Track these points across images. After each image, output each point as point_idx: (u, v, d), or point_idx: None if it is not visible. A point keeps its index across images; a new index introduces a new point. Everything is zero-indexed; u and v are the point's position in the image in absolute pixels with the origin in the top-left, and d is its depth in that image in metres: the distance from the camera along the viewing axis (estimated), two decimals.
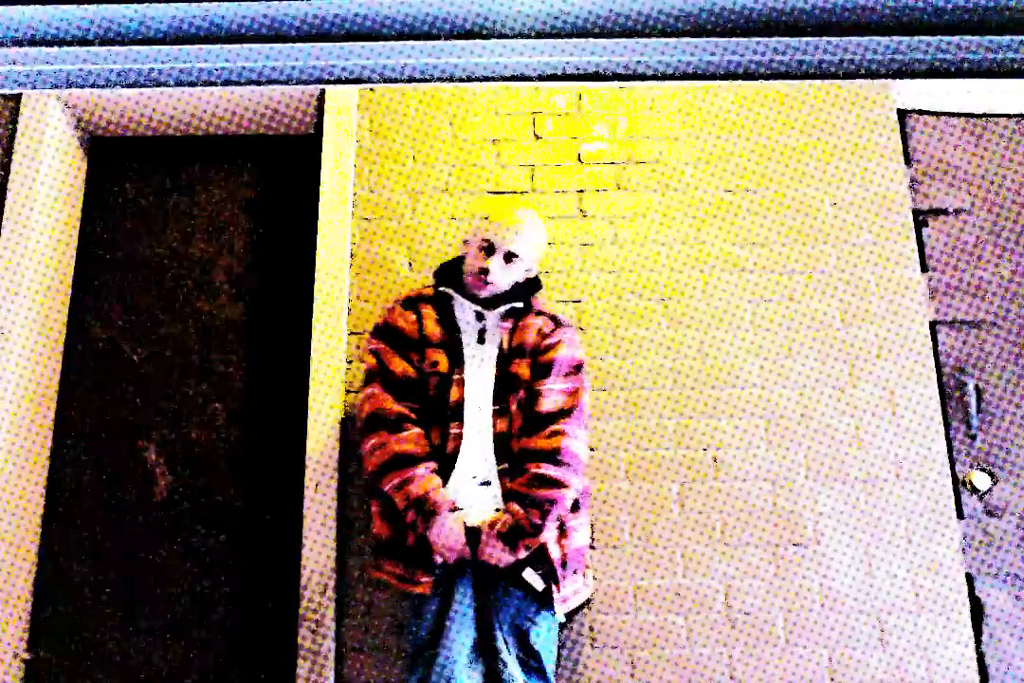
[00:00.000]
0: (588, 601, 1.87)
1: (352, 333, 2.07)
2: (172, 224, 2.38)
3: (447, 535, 1.53)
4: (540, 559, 1.57)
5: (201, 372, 2.25)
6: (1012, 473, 2.05)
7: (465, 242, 1.81)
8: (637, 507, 1.96)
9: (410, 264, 2.14)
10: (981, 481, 2.02)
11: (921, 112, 2.33)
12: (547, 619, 1.61)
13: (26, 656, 2.02)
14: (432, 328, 1.69)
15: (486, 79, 0.78)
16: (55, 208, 2.21)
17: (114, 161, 2.43)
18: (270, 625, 2.06)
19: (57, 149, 2.22)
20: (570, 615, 1.86)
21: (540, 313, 1.77)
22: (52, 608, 2.08)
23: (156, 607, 2.08)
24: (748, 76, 0.77)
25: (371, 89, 2.27)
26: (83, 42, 0.74)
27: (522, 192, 2.19)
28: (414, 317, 1.72)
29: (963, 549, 1.98)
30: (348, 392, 2.03)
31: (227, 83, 0.79)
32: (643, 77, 0.77)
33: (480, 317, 1.73)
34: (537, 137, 2.24)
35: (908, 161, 2.28)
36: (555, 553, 1.59)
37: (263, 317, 2.29)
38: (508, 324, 1.72)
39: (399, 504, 1.56)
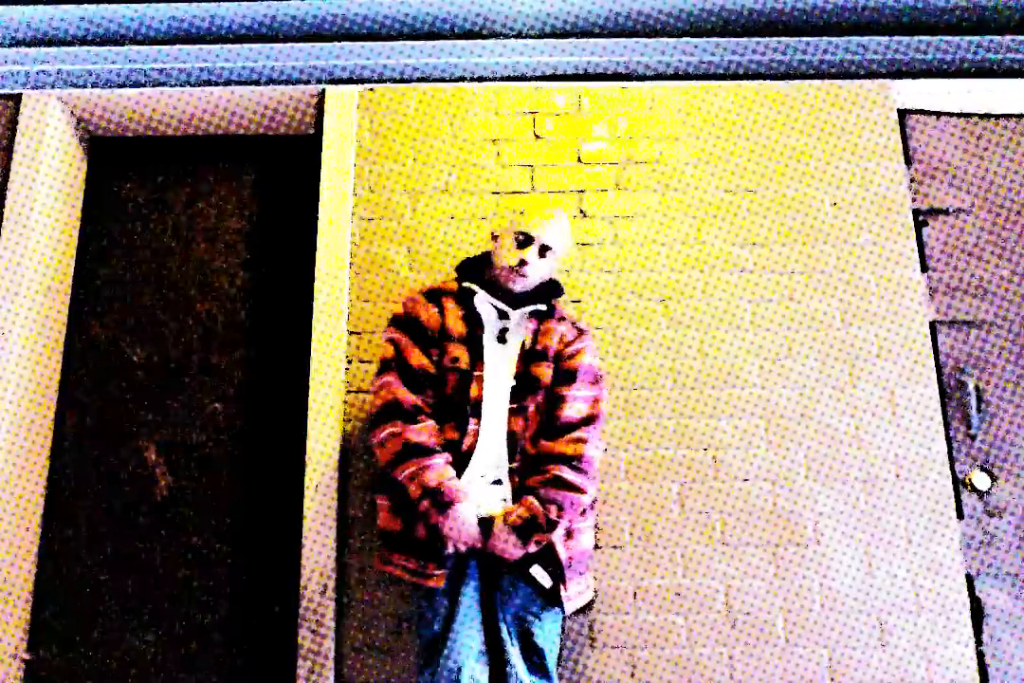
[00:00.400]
0: (591, 603, 1.88)
1: (352, 333, 2.07)
2: (172, 224, 2.38)
3: (461, 525, 1.52)
4: (548, 558, 1.58)
5: (201, 372, 2.25)
6: (1012, 473, 2.05)
7: (494, 237, 1.80)
8: (637, 507, 1.96)
9: (410, 264, 2.14)
10: (981, 481, 2.02)
11: (921, 112, 2.33)
12: (551, 616, 1.62)
13: (26, 656, 2.02)
14: (454, 323, 1.68)
15: (486, 79, 0.78)
16: (55, 208, 2.21)
17: (114, 161, 2.43)
18: (270, 625, 2.06)
19: (57, 149, 2.22)
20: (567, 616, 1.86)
21: (562, 318, 1.78)
22: (52, 608, 2.08)
23: (156, 607, 2.08)
24: (748, 76, 0.77)
25: (371, 89, 2.27)
26: (83, 42, 0.74)
27: (522, 192, 2.19)
28: (436, 310, 1.70)
29: (963, 549, 1.98)
30: (348, 392, 2.03)
31: (227, 83, 0.79)
32: (643, 77, 0.77)
33: (502, 316, 1.73)
34: (537, 137, 2.24)
35: (908, 161, 2.28)
36: (563, 553, 1.59)
37: (263, 317, 2.29)
38: (533, 325, 1.73)
39: (413, 493, 1.55)
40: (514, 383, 1.66)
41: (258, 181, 2.42)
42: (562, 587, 1.58)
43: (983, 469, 2.05)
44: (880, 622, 1.90)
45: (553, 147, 2.23)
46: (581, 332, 1.77)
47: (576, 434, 1.62)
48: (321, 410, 2.00)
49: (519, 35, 0.74)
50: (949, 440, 2.06)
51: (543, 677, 1.58)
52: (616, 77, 0.78)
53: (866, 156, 2.23)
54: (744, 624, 1.90)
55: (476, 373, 1.63)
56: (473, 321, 1.69)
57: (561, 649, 1.85)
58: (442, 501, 1.52)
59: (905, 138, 2.30)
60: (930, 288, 2.18)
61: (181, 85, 0.79)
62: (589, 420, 1.65)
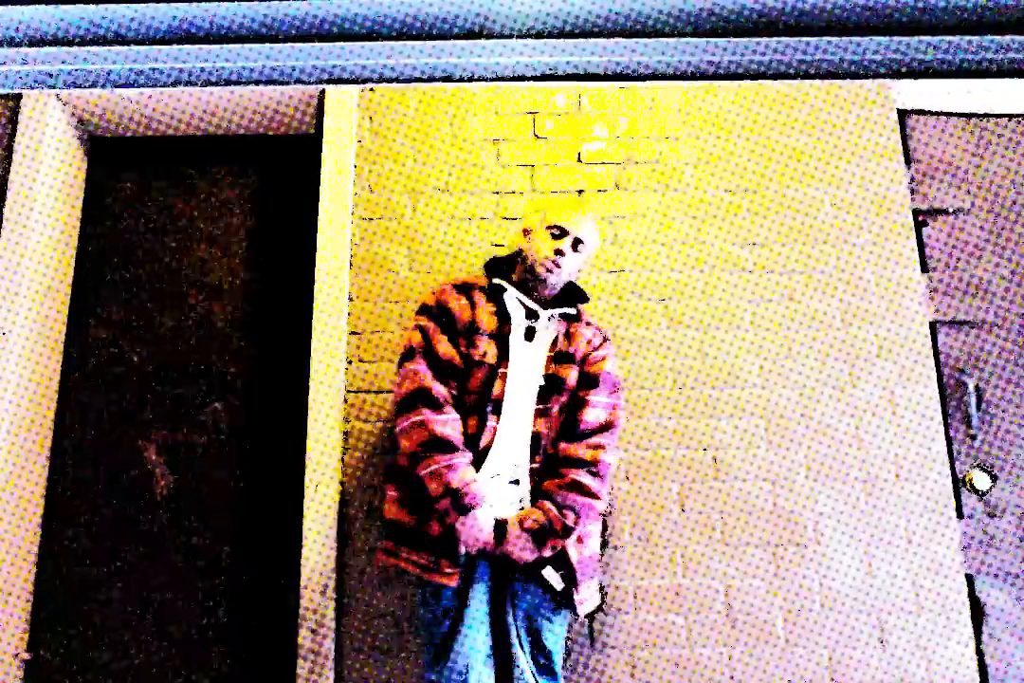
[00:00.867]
0: (599, 608, 1.88)
1: (352, 333, 2.07)
2: (172, 224, 2.38)
3: (477, 530, 1.51)
4: (560, 561, 1.58)
5: (201, 372, 2.25)
6: (1012, 473, 2.05)
7: (525, 233, 1.80)
8: (637, 507, 1.96)
9: (410, 264, 2.14)
10: (981, 481, 2.02)
11: (921, 112, 2.33)
12: (560, 619, 1.62)
13: (26, 656, 2.02)
14: (485, 317, 1.67)
15: (486, 79, 0.78)
16: (55, 208, 2.21)
17: (114, 161, 2.43)
18: (270, 625, 2.06)
19: (57, 149, 2.22)
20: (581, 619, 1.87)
21: (588, 323, 1.79)
22: (52, 608, 2.08)
23: (156, 607, 2.08)
24: (748, 76, 0.77)
25: (371, 89, 2.27)
26: (83, 42, 0.74)
27: (522, 192, 2.19)
28: (467, 303, 1.70)
29: (963, 549, 1.98)
30: (348, 392, 2.03)
31: (227, 83, 0.79)
32: (643, 77, 0.77)
33: (530, 316, 1.72)
34: (537, 137, 2.24)
35: (908, 161, 2.28)
36: (575, 556, 1.59)
37: (263, 317, 2.29)
38: (562, 327, 1.73)
39: (433, 490, 1.52)
40: (543, 383, 1.66)
41: (258, 181, 2.42)
42: (575, 590, 1.58)
43: (983, 469, 2.05)
44: (880, 622, 1.90)
45: (553, 147, 2.23)
46: (606, 339, 1.78)
47: (595, 440, 1.63)
48: (321, 410, 2.00)
49: (519, 35, 0.74)
50: (949, 440, 2.06)
51: (551, 678, 1.58)
52: (616, 77, 0.78)
53: (866, 156, 2.23)
54: (744, 624, 1.90)
55: (501, 370, 1.63)
56: (503, 317, 1.69)
57: None
58: (462, 504, 1.50)
59: (905, 138, 2.30)
60: (930, 288, 2.18)
61: (181, 85, 0.79)
62: (607, 427, 1.66)
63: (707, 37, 0.73)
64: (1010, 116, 2.34)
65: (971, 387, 2.09)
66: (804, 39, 0.73)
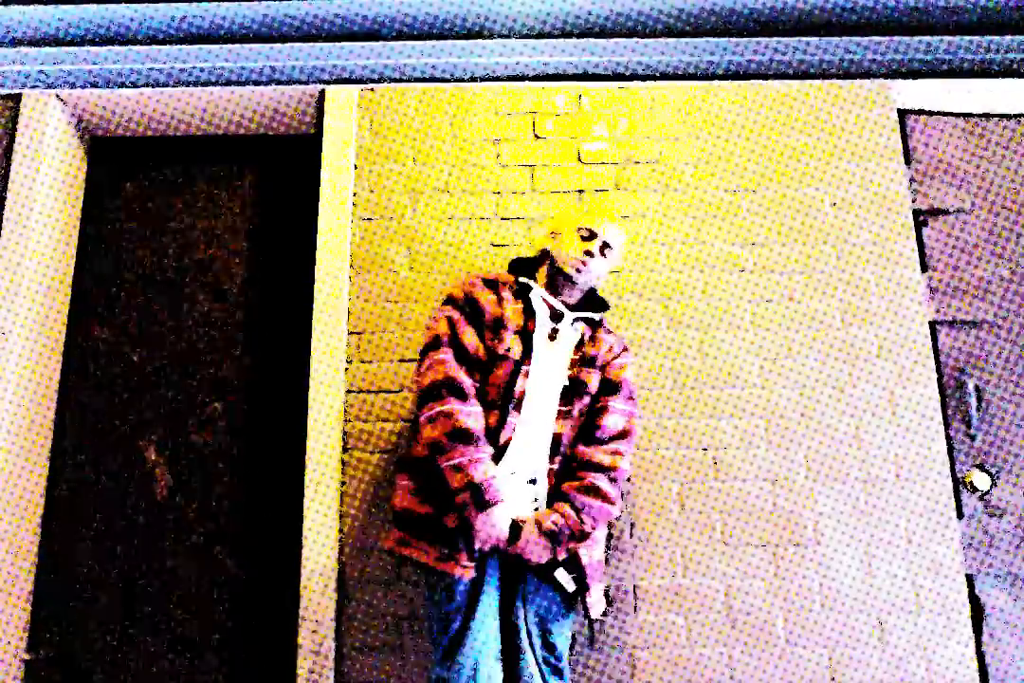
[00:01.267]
0: (605, 613, 1.89)
1: (352, 333, 2.07)
2: (172, 224, 2.38)
3: (494, 527, 1.51)
4: (572, 564, 1.59)
5: (201, 372, 2.25)
6: (1012, 473, 2.05)
7: (553, 235, 1.80)
8: (637, 507, 1.96)
9: (410, 264, 2.14)
10: (981, 481, 2.02)
11: (921, 112, 2.33)
12: (568, 620, 1.63)
13: (26, 656, 2.02)
14: (513, 313, 1.68)
15: (486, 79, 0.78)
16: (55, 208, 2.21)
17: (114, 161, 2.43)
18: (270, 625, 2.06)
19: (57, 149, 2.22)
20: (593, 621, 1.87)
21: (610, 331, 1.81)
22: (52, 608, 2.08)
23: (156, 607, 2.08)
24: (748, 76, 0.77)
25: (371, 89, 2.27)
26: (83, 42, 0.74)
27: (522, 192, 2.19)
28: (494, 297, 1.70)
29: (963, 549, 1.98)
30: (348, 392, 2.03)
31: (227, 83, 0.79)
32: (643, 77, 0.77)
33: (554, 317, 1.73)
34: (537, 137, 2.24)
35: (908, 161, 2.28)
36: (586, 560, 1.60)
37: (263, 317, 2.29)
38: (587, 332, 1.75)
39: (454, 483, 1.51)
40: (567, 384, 1.67)
41: (258, 181, 2.42)
42: (586, 594, 1.59)
43: (983, 469, 2.05)
44: (880, 622, 1.90)
45: (553, 147, 2.23)
46: (626, 349, 1.80)
47: (615, 446, 1.64)
48: (321, 410, 2.00)
49: (519, 35, 0.74)
50: (949, 440, 2.06)
51: (559, 678, 1.58)
52: (616, 77, 0.78)
53: (866, 156, 2.23)
54: (744, 624, 1.90)
55: (525, 367, 1.63)
56: (529, 315, 1.69)
57: None
58: (483, 499, 1.49)
59: (905, 138, 2.30)
60: (930, 288, 2.18)
61: (181, 85, 0.79)
62: (625, 434, 1.67)
63: (707, 37, 0.73)
64: (1010, 116, 2.34)
65: (971, 387, 2.09)
66: (804, 39, 0.73)
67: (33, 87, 0.79)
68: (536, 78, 0.78)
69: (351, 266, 2.13)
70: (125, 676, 2.04)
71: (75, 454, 2.19)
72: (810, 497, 1.98)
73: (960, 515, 2.01)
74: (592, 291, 1.84)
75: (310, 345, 2.09)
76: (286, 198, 2.40)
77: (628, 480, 1.98)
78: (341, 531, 1.94)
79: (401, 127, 2.24)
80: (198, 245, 2.36)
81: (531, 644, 1.56)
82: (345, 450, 1.99)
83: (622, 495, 1.67)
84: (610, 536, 1.94)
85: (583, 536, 1.56)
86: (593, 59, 0.76)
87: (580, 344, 1.73)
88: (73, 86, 0.79)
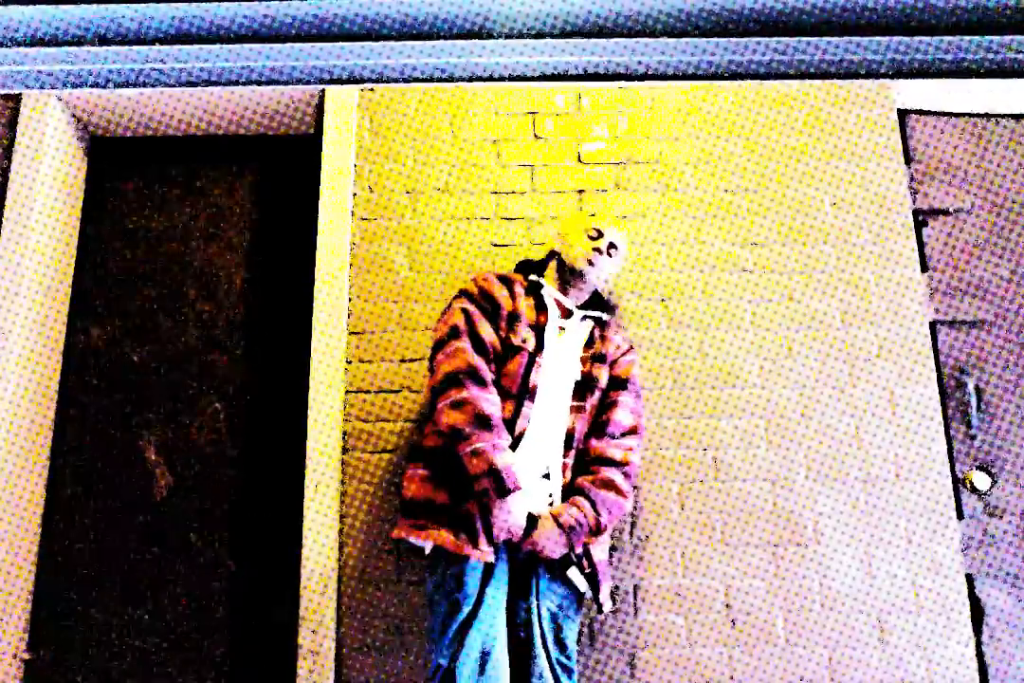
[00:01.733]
0: (614, 611, 1.89)
1: (352, 333, 2.07)
2: (172, 224, 2.38)
3: (513, 515, 1.51)
4: (586, 560, 1.61)
5: (201, 372, 2.25)
6: (1012, 473, 2.05)
7: (561, 236, 1.85)
8: (637, 507, 1.96)
9: (410, 264, 2.14)
10: (981, 481, 2.02)
11: (921, 112, 2.33)
12: (578, 617, 1.65)
13: (26, 656, 2.02)
14: (526, 308, 1.72)
15: (486, 79, 0.78)
16: (55, 208, 2.21)
17: (114, 161, 2.43)
18: (270, 625, 2.06)
19: (57, 149, 2.22)
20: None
21: (617, 331, 1.85)
22: (52, 608, 2.08)
23: (156, 607, 2.08)
24: (748, 76, 0.77)
25: (371, 89, 2.27)
26: (83, 42, 0.74)
27: (522, 192, 2.19)
28: (508, 293, 1.74)
29: (963, 549, 1.98)
30: (348, 392, 2.03)
31: (227, 83, 0.79)
32: (643, 77, 0.77)
33: (564, 315, 1.78)
34: (537, 137, 2.24)
35: (908, 161, 2.28)
36: (597, 555, 1.62)
37: (263, 317, 2.29)
38: (596, 330, 1.80)
39: (474, 468, 1.50)
40: (579, 379, 1.70)
41: (258, 181, 2.42)
42: (600, 589, 1.61)
43: (983, 469, 2.05)
44: (880, 622, 1.90)
45: (553, 147, 2.23)
46: (632, 348, 1.84)
47: (626, 442, 1.68)
48: (321, 410, 2.00)
49: (519, 35, 0.73)
50: (949, 440, 2.06)
51: (569, 675, 1.59)
52: (616, 77, 0.78)
53: (866, 156, 2.23)
54: (744, 624, 1.90)
55: (538, 359, 1.66)
56: (540, 310, 1.74)
57: None
58: (503, 486, 1.49)
59: (905, 138, 2.30)
60: (930, 288, 2.18)
61: (181, 85, 0.79)
62: (635, 431, 1.71)
63: (707, 37, 0.73)
64: (1010, 116, 2.34)
65: (971, 387, 2.09)
66: (804, 39, 0.73)
67: (33, 87, 0.79)
68: (536, 78, 0.78)
69: (351, 266, 2.13)
70: (125, 676, 2.03)
71: (75, 454, 2.18)
72: (810, 497, 1.98)
73: (960, 515, 2.01)
74: (597, 295, 1.89)
75: (310, 345, 2.09)
76: (286, 198, 2.40)
77: (635, 488, 1.98)
78: (341, 531, 1.94)
79: (401, 127, 2.24)
80: (198, 245, 2.36)
81: (544, 644, 1.56)
82: (345, 450, 1.99)
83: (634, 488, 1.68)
84: (611, 536, 1.94)
85: (599, 530, 1.58)
86: (593, 59, 0.76)
87: (590, 342, 1.77)
88: (73, 86, 0.79)
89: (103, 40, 0.74)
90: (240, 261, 2.34)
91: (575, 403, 1.68)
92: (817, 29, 0.73)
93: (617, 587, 1.91)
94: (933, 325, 2.15)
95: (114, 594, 2.08)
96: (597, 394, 1.71)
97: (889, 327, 2.10)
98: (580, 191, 2.20)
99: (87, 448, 2.19)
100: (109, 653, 2.05)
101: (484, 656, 1.49)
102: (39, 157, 2.15)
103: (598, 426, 1.69)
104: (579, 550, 1.58)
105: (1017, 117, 2.34)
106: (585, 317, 1.80)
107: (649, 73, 0.77)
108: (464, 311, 1.68)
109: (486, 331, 1.66)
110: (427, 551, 1.61)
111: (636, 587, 1.91)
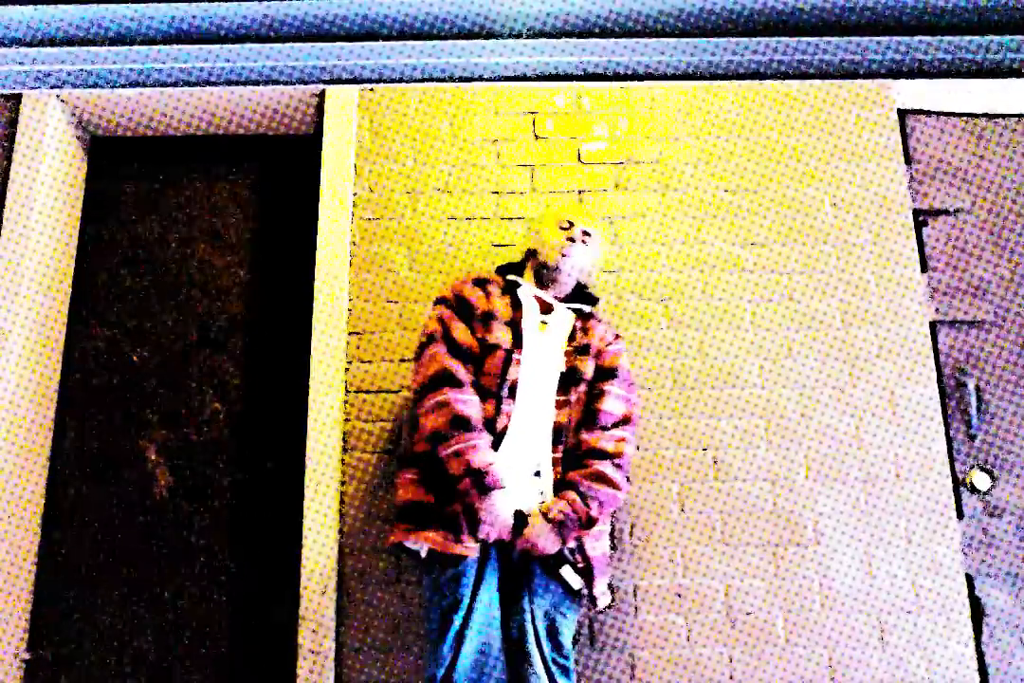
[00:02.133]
0: (609, 606, 1.89)
1: (352, 333, 2.07)
2: (172, 224, 2.38)
3: (497, 513, 1.52)
4: (579, 554, 1.60)
5: (201, 372, 2.25)
6: (1012, 473, 2.05)
7: (536, 233, 1.86)
8: (637, 507, 1.96)
9: (410, 264, 2.14)
10: (981, 481, 2.02)
11: (921, 112, 2.33)
12: (574, 615, 1.63)
13: (26, 656, 2.02)
14: (500, 307, 1.73)
15: (486, 79, 0.78)
16: (55, 208, 2.21)
17: (114, 161, 2.43)
18: (270, 625, 2.06)
19: (57, 149, 2.22)
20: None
21: (601, 321, 1.84)
22: (52, 608, 2.08)
23: (156, 607, 2.08)
24: (748, 76, 0.77)
25: (371, 89, 2.27)
26: (83, 42, 0.74)
27: (522, 192, 2.19)
28: (483, 294, 1.75)
29: (963, 549, 1.98)
30: (348, 392, 2.03)
31: (227, 83, 0.79)
32: (643, 77, 0.77)
33: (545, 310, 1.78)
34: (537, 137, 2.24)
35: (908, 161, 2.28)
36: (592, 551, 1.62)
37: (263, 317, 2.29)
38: (578, 323, 1.79)
39: (455, 469, 1.53)
40: (563, 372, 1.69)
41: (258, 181, 2.42)
42: (593, 585, 1.61)
43: (983, 469, 2.05)
44: (880, 622, 1.90)
45: (553, 147, 2.23)
46: (618, 337, 1.83)
47: (618, 432, 1.66)
48: (321, 410, 2.00)
49: (519, 35, 0.73)
50: (949, 440, 2.06)
51: (565, 674, 1.58)
52: (616, 77, 0.78)
53: (866, 156, 2.23)
54: (744, 624, 1.90)
55: (516, 356, 1.66)
56: (516, 307, 1.74)
57: None
58: (484, 484, 1.51)
59: (905, 138, 2.30)
60: (930, 288, 2.18)
61: (181, 85, 0.79)
62: (627, 420, 1.70)
63: (707, 37, 0.73)
64: (1010, 116, 2.34)
65: (971, 387, 2.09)
66: (804, 39, 0.73)
67: (33, 87, 0.79)
68: (536, 78, 0.78)
69: (351, 266, 2.13)
70: (125, 676, 2.03)
71: (75, 454, 2.18)
72: (810, 497, 1.98)
73: (960, 515, 2.01)
74: (581, 287, 1.87)
75: (310, 345, 2.09)
76: (286, 198, 2.40)
77: (628, 480, 1.98)
78: (341, 531, 1.94)
79: (401, 127, 2.24)
80: (198, 245, 2.36)
81: (539, 645, 1.56)
82: (345, 450, 1.99)
83: (627, 479, 1.67)
84: (613, 526, 1.94)
85: (590, 523, 1.57)
86: (593, 59, 0.76)
87: (573, 335, 1.76)
88: (73, 86, 0.79)
89: (103, 40, 0.74)
90: (240, 261, 2.34)
91: (560, 397, 1.67)
92: (817, 29, 0.73)
93: (615, 587, 1.91)
94: (933, 325, 2.15)
95: (114, 594, 2.08)
96: (583, 386, 1.70)
97: (889, 327, 2.10)
98: (580, 191, 2.19)
99: (87, 448, 2.19)
100: (109, 653, 2.05)
101: (480, 662, 1.51)
102: (39, 157, 2.15)
103: (588, 418, 1.68)
104: (572, 544, 1.57)
105: (1017, 117, 2.34)
106: (568, 310, 1.80)
107: (649, 73, 0.77)
108: (439, 317, 1.71)
109: (461, 334, 1.68)
110: (423, 555, 1.62)
111: (636, 587, 1.91)
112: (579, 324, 1.78)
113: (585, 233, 1.81)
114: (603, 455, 1.62)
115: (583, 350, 1.73)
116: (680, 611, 1.90)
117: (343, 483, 1.97)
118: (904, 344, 2.09)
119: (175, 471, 2.17)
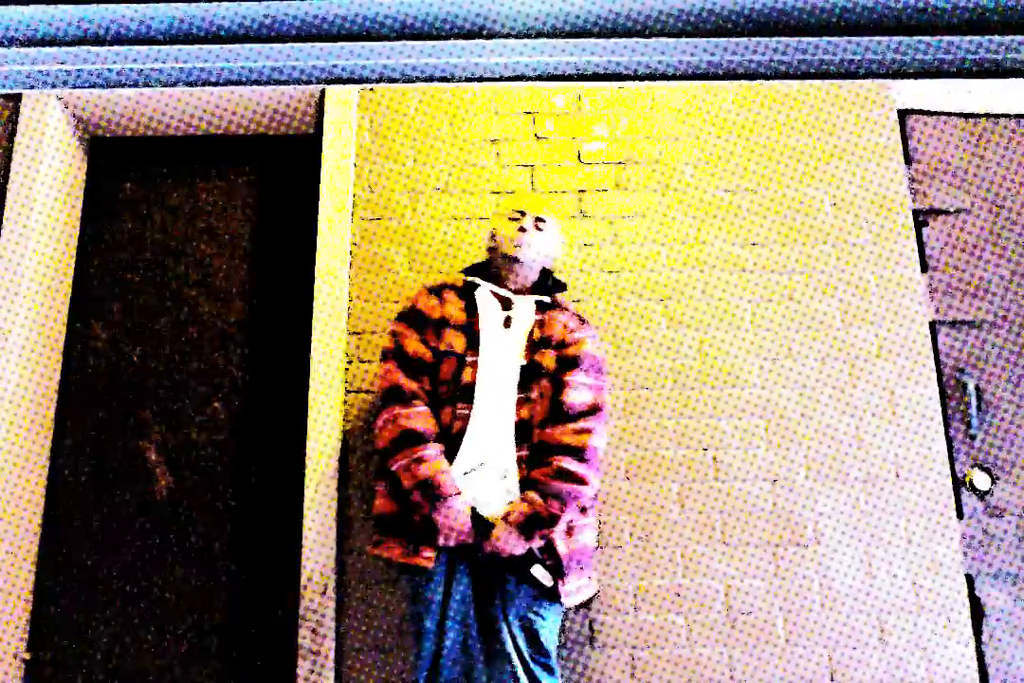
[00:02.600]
0: (590, 600, 1.88)
1: (352, 333, 2.07)
2: (172, 224, 2.38)
3: (453, 518, 1.54)
4: (548, 553, 1.58)
5: (201, 372, 2.25)
6: (1012, 473, 2.05)
7: (492, 233, 1.85)
8: (637, 507, 1.96)
9: (410, 264, 2.14)
10: (981, 481, 2.02)
11: (921, 112, 2.33)
12: (553, 612, 1.62)
13: (26, 656, 2.02)
14: (453, 311, 1.74)
15: (486, 79, 0.78)
16: (55, 208, 2.21)
17: (114, 161, 2.43)
18: (270, 625, 2.06)
19: (57, 149, 2.22)
20: (567, 612, 1.87)
21: (565, 309, 1.81)
22: (52, 608, 2.08)
23: (156, 607, 2.08)
24: (748, 76, 0.77)
25: (371, 89, 2.27)
26: (83, 42, 0.74)
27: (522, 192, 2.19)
28: (436, 301, 1.77)
29: (963, 549, 1.98)
30: (348, 392, 2.03)
31: (227, 83, 0.79)
32: (643, 77, 0.77)
33: (506, 306, 1.76)
34: (537, 137, 2.24)
35: (908, 161, 2.28)
36: (562, 548, 1.60)
37: (263, 317, 2.29)
38: (538, 315, 1.76)
39: (406, 483, 1.57)
40: (520, 371, 1.68)
41: (258, 181, 2.42)
42: (560, 582, 1.58)
43: (983, 469, 2.05)
44: (880, 622, 1.90)
45: (553, 147, 2.23)
46: (583, 322, 1.80)
47: (581, 424, 1.63)
48: (321, 410, 2.00)
49: (519, 35, 0.73)
50: (949, 440, 2.06)
51: (550, 674, 1.58)
52: (616, 77, 0.78)
53: (866, 156, 2.23)
54: (744, 624, 1.90)
55: (470, 358, 1.67)
56: (471, 310, 1.74)
57: (561, 649, 1.85)
58: (434, 494, 1.54)
59: (905, 138, 2.30)
60: (930, 288, 2.18)
61: (181, 85, 0.79)
62: (594, 410, 1.66)
63: (707, 37, 0.73)
64: (1010, 116, 2.34)
65: (971, 387, 2.09)
66: (804, 39, 0.73)
67: (33, 87, 0.79)
68: (536, 78, 0.78)
69: (351, 266, 2.13)
70: (125, 676, 2.03)
71: (75, 454, 2.18)
72: (810, 497, 1.98)
73: (960, 515, 2.01)
74: (547, 274, 1.86)
75: (310, 345, 2.09)
76: (286, 198, 2.40)
77: (628, 480, 1.98)
78: (341, 531, 1.94)
79: (401, 127, 2.24)
80: (198, 245, 2.36)
81: (517, 648, 1.55)
82: (345, 450, 1.99)
83: (599, 468, 1.63)
84: (604, 533, 1.94)
85: (553, 520, 1.55)
86: (593, 59, 0.76)
87: (532, 329, 1.74)
88: (73, 86, 0.79)
89: (103, 40, 0.74)
90: (240, 261, 2.34)
91: (521, 394, 1.66)
92: (817, 29, 0.73)
93: (615, 587, 1.91)
94: (933, 325, 2.15)
95: (114, 594, 2.08)
96: (545, 381, 1.68)
97: (889, 327, 2.10)
98: (580, 191, 2.19)
99: (87, 448, 2.19)
100: (109, 653, 2.05)
101: (458, 668, 1.54)
102: (39, 157, 2.15)
103: (553, 412, 1.66)
104: (539, 543, 1.56)
105: (1017, 117, 2.34)
106: (531, 303, 1.78)
107: (649, 73, 0.77)
108: (392, 333, 1.74)
109: (413, 347, 1.69)
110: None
111: (636, 587, 1.91)
112: (537, 317, 1.76)
113: (539, 219, 1.81)
114: (564, 450, 1.60)
115: (544, 343, 1.71)
116: (680, 611, 1.90)
117: (343, 483, 1.97)
118: (904, 344, 2.09)
119: (175, 471, 2.17)
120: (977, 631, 1.93)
